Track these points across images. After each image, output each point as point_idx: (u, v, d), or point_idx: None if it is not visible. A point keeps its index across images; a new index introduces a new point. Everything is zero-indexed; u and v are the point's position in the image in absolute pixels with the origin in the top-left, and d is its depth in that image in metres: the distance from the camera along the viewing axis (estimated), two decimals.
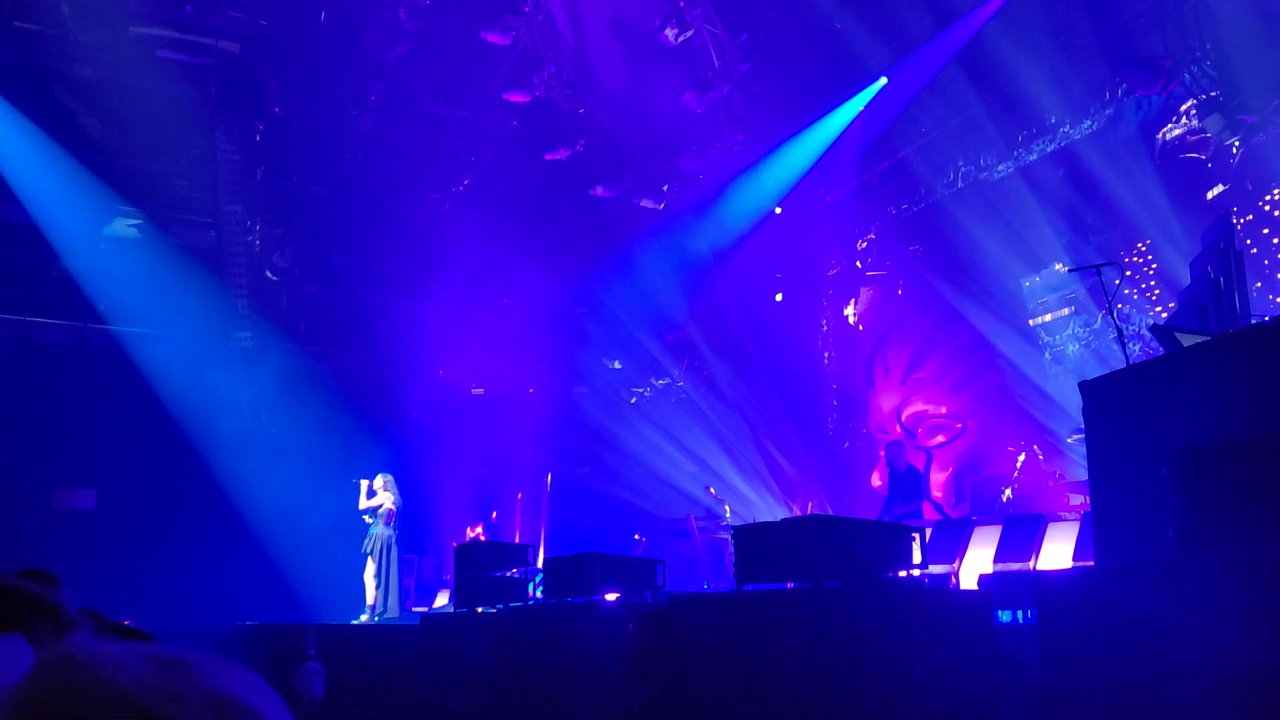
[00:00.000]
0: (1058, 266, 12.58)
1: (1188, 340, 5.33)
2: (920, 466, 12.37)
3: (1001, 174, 13.57)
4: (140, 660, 0.54)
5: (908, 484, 11.46)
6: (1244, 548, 2.53)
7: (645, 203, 16.96)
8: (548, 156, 15.96)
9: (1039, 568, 7.70)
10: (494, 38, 13.72)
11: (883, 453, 14.51)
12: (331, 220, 16.52)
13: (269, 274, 16.47)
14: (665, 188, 16.97)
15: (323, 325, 16.97)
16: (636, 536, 15.51)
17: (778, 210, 16.88)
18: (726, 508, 15.38)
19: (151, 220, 15.35)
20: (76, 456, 14.44)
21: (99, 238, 14.72)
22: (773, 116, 15.45)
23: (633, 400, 18.88)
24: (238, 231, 16.08)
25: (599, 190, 16.43)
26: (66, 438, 14.15)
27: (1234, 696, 2.45)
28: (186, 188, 15.74)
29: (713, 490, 15.67)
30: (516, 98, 15.03)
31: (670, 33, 13.67)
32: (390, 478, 12.73)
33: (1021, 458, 12.44)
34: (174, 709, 0.51)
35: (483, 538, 14.79)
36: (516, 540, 15.07)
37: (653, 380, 18.73)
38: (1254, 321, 5.68)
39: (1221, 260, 6.16)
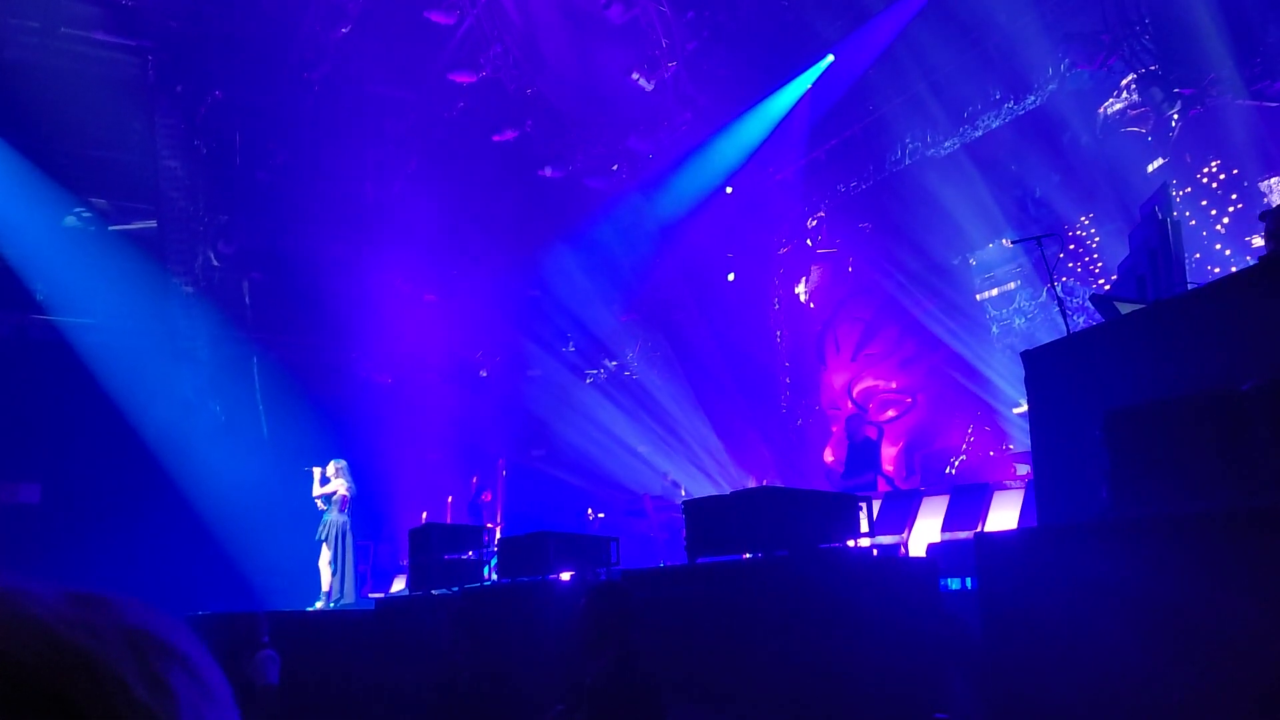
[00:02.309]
0: (1006, 243, 12.74)
1: (1126, 309, 5.43)
2: (874, 438, 12.52)
3: (948, 150, 13.70)
4: (59, 596, 0.54)
5: (864, 456, 11.60)
6: (1172, 504, 2.60)
7: (595, 183, 16.91)
8: (495, 138, 15.85)
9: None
10: (438, 17, 13.59)
11: (836, 428, 14.66)
12: (277, 206, 16.26)
13: (214, 261, 16.21)
14: (615, 168, 16.93)
15: (270, 312, 16.75)
16: (590, 512, 15.53)
17: (728, 190, 16.92)
18: (682, 490, 15.45)
19: (91, 207, 15.01)
20: (18, 450, 14.13)
21: (38, 227, 14.35)
22: (721, 95, 15.46)
23: (587, 381, 18.87)
24: (181, 218, 15.79)
25: (548, 171, 16.35)
26: (8, 431, 13.86)
27: (1166, 646, 2.52)
28: (127, 174, 15.38)
29: (670, 478, 15.73)
30: (462, 78, 14.91)
31: (616, 11, 13.61)
32: (344, 464, 12.62)
33: (970, 430, 12.63)
34: (90, 642, 0.51)
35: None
36: (493, 523, 15.04)
37: (606, 361, 18.73)
38: (1189, 289, 5.79)
39: (1159, 231, 6.27)
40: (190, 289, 15.81)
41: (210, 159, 15.93)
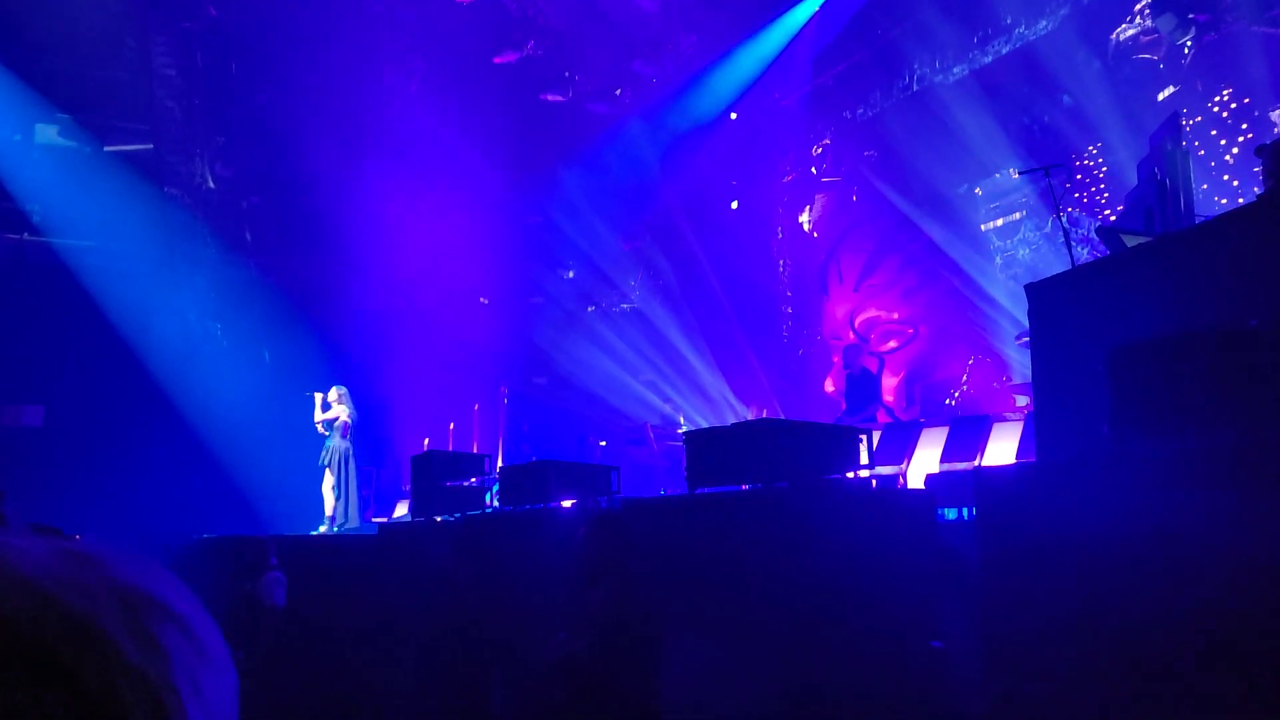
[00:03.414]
0: (1013, 175, 12.61)
1: (1132, 242, 5.39)
2: (874, 370, 12.49)
3: (957, 77, 13.49)
4: (50, 553, 0.53)
5: (862, 387, 11.51)
6: (1173, 440, 2.60)
7: (598, 108, 16.69)
8: (497, 60, 15.60)
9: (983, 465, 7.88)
10: None
11: (837, 359, 14.65)
12: (275, 128, 16.04)
13: (211, 183, 16.05)
14: (618, 92, 16.69)
15: (269, 236, 16.64)
16: (601, 443, 15.62)
17: (733, 116, 16.70)
18: (682, 417, 15.51)
19: (86, 127, 14.81)
20: (21, 373, 14.16)
21: (30, 145, 14.18)
22: (726, 18, 15.18)
23: (589, 310, 18.83)
24: (177, 139, 15.59)
25: (550, 95, 16.12)
26: (10, 354, 13.86)
27: (1163, 581, 2.53)
28: (122, 93, 15.13)
29: (671, 405, 15.78)
30: None
31: None
32: (344, 390, 12.65)
33: (971, 361, 12.62)
34: (81, 600, 0.50)
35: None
36: (474, 450, 15.12)
37: (608, 289, 18.67)
38: (1197, 221, 5.74)
39: (1168, 162, 6.19)
40: (188, 212, 15.68)
41: (207, 80, 15.68)
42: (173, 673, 0.51)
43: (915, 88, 14.17)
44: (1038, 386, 4.67)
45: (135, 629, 0.51)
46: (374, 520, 13.17)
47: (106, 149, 15.06)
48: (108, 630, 0.50)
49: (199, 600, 0.58)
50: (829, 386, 15.38)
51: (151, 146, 15.48)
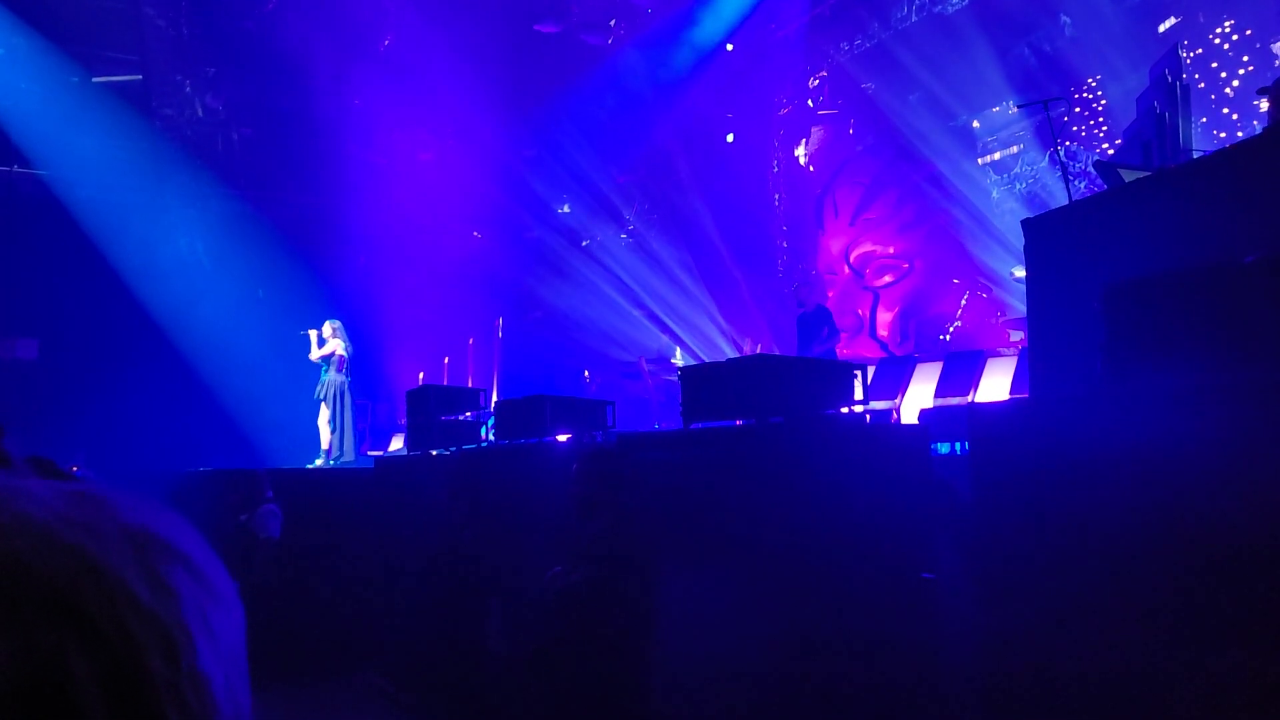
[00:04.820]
0: (1011, 109, 12.50)
1: (1130, 176, 5.36)
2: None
3: (956, 8, 13.30)
4: (57, 495, 0.53)
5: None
6: (1167, 377, 2.61)
7: (592, 39, 16.44)
8: None
9: (976, 401, 7.92)
10: None
11: (833, 293, 14.62)
12: (265, 59, 15.80)
13: (200, 114, 15.85)
14: (612, 23, 16.43)
15: (262, 169, 16.48)
16: (586, 374, 15.65)
17: (729, 47, 16.48)
18: (678, 350, 15.52)
19: (73, 57, 14.57)
20: (15, 306, 14.12)
21: (18, 77, 13.96)
22: None
23: (584, 244, 18.75)
24: (166, 70, 15.35)
25: (544, 25, 15.88)
26: (2, 287, 13.81)
27: (1150, 512, 2.57)
28: (109, 21, 14.86)
29: (665, 339, 15.79)
30: None
31: None
32: (339, 324, 12.63)
33: (965, 297, 12.61)
34: (91, 541, 0.51)
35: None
36: (469, 384, 15.15)
37: (603, 222, 18.57)
38: (1195, 157, 5.70)
39: (1168, 95, 6.13)
40: (179, 144, 15.50)
41: (195, 8, 15.40)
42: (184, 612, 0.52)
43: (914, 19, 13.98)
44: (1032, 323, 4.68)
45: (145, 569, 0.52)
46: (370, 454, 13.25)
47: (95, 80, 14.84)
48: (118, 571, 0.50)
49: (204, 540, 0.58)
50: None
51: (140, 77, 15.25)
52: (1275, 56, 9.89)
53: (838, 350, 11.05)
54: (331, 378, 12.42)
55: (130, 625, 0.49)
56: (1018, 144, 12.80)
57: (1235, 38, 10.27)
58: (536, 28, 15.92)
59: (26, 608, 0.47)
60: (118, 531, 0.52)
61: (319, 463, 12.41)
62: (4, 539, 0.48)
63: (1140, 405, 2.66)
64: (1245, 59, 10.16)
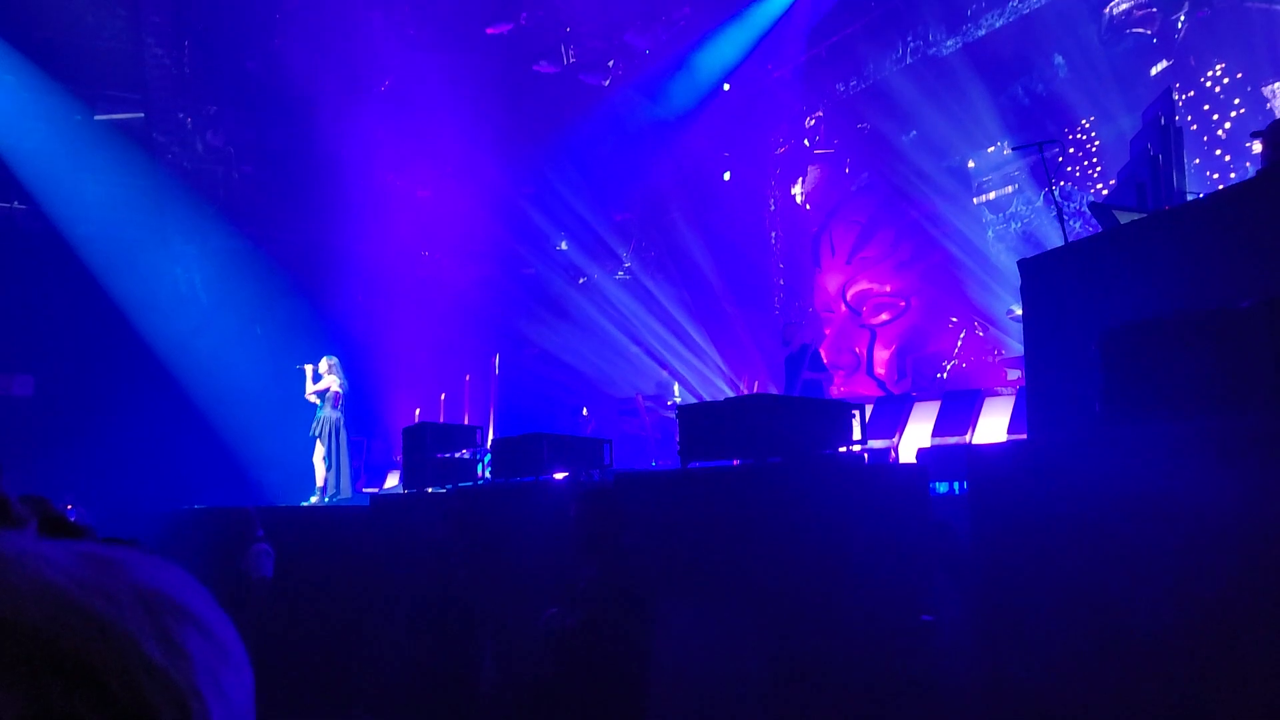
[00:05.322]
0: (1005, 151, 12.61)
1: (1124, 218, 5.39)
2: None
3: (950, 50, 13.45)
4: (72, 557, 0.53)
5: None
6: (1165, 422, 2.61)
7: (591, 79, 16.59)
8: (489, 30, 15.48)
9: (974, 441, 7.92)
10: None
11: (829, 331, 14.64)
12: (266, 97, 15.92)
13: (202, 152, 15.95)
14: (610, 64, 16.58)
15: (262, 206, 16.54)
16: (584, 412, 15.63)
17: (725, 87, 16.63)
18: (676, 386, 15.52)
19: (76, 95, 14.68)
20: (12, 342, 14.11)
21: (21, 113, 14.04)
22: None
23: (580, 281, 18.80)
24: (168, 108, 15.46)
25: (542, 66, 16.02)
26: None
27: (1153, 562, 2.56)
28: (112, 61, 14.98)
29: (665, 374, 15.80)
30: None
31: None
32: (335, 360, 12.63)
33: (962, 335, 12.64)
34: (104, 604, 0.51)
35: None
36: (465, 422, 15.12)
37: (600, 261, 18.63)
38: (1189, 198, 5.75)
39: (1161, 137, 6.18)
40: (180, 181, 15.58)
41: (198, 48, 15.53)
42: (195, 673, 0.52)
43: (909, 60, 14.13)
44: (1030, 363, 4.69)
45: (158, 631, 0.52)
46: (365, 491, 13.20)
47: (97, 117, 14.94)
48: (132, 634, 0.50)
49: (215, 600, 0.58)
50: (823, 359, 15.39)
51: (142, 115, 15.36)
52: (1266, 99, 9.99)
53: (832, 389, 11.06)
54: (327, 414, 12.40)
55: (143, 688, 0.49)
56: (1013, 183, 12.89)
57: (1226, 81, 10.38)
58: (535, 68, 16.06)
59: (41, 672, 0.47)
60: (130, 593, 0.52)
61: (314, 500, 12.36)
62: (18, 604, 0.48)
63: (1138, 450, 2.67)
64: (1237, 101, 10.26)
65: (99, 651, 0.49)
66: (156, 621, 0.52)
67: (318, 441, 12.38)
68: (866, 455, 5.48)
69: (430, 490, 8.26)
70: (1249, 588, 2.28)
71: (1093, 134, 11.76)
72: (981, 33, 13.06)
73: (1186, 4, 10.67)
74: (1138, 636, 2.53)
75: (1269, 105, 9.93)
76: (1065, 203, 11.53)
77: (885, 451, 8.68)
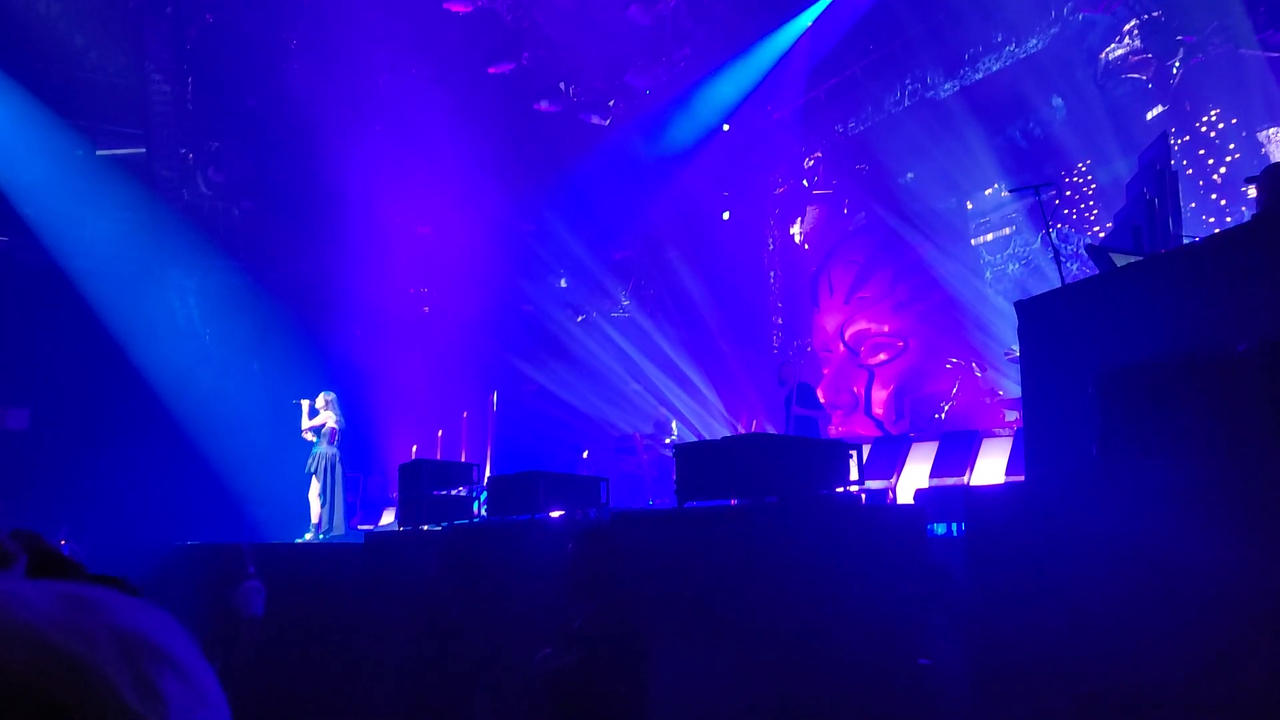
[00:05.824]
0: (1002, 194, 12.68)
1: (1121, 260, 5.41)
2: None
3: (947, 93, 13.58)
4: (51, 599, 0.53)
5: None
6: (1161, 466, 2.61)
7: (591, 119, 16.71)
8: (491, 70, 15.62)
9: (972, 482, 7.89)
10: None
11: (828, 371, 14.64)
12: (267, 134, 16.03)
13: (204, 188, 16.03)
14: (611, 104, 16.72)
15: (261, 241, 16.60)
16: (585, 454, 15.59)
17: (725, 128, 16.76)
18: (674, 425, 15.49)
19: (78, 130, 14.77)
20: (7, 375, 14.09)
21: (24, 148, 14.12)
22: (720, 31, 15.24)
23: (579, 319, 18.83)
24: (170, 143, 15.56)
25: (543, 105, 16.15)
26: None
27: (1150, 606, 2.54)
28: (115, 97, 15.10)
29: (664, 412, 15.78)
30: (458, 7, 14.67)
31: None
32: (332, 396, 12.61)
33: (960, 376, 12.64)
34: (83, 646, 0.50)
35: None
36: (462, 459, 15.07)
37: (599, 299, 18.67)
38: (1185, 242, 5.77)
39: (1157, 181, 6.22)
40: (180, 216, 15.65)
41: (200, 84, 15.66)
42: (171, 718, 0.51)
43: (907, 103, 14.26)
44: (1027, 404, 4.68)
45: (135, 675, 0.51)
46: (360, 528, 13.13)
47: (99, 152, 15.02)
48: (109, 677, 0.50)
49: (197, 643, 0.58)
50: (820, 398, 15.37)
51: (144, 150, 15.45)
52: (1261, 144, 10.07)
53: (830, 428, 11.04)
54: (323, 450, 12.36)
55: None
56: (1011, 225, 12.95)
57: (1222, 126, 10.46)
58: (536, 107, 16.19)
59: (15, 714, 0.46)
60: (107, 635, 0.52)
61: (308, 537, 12.28)
62: None
63: (1134, 494, 2.66)
64: (1232, 146, 10.34)
65: (73, 694, 0.48)
66: (133, 664, 0.52)
67: (313, 478, 12.32)
68: (864, 496, 5.46)
69: (425, 528, 8.22)
70: (1245, 635, 2.26)
71: (1089, 177, 11.84)
72: (979, 76, 13.19)
73: (1181, 50, 10.79)
74: (1135, 681, 2.51)
75: (1264, 150, 10.00)
76: (1063, 244, 11.58)
77: (883, 492, 8.65)
